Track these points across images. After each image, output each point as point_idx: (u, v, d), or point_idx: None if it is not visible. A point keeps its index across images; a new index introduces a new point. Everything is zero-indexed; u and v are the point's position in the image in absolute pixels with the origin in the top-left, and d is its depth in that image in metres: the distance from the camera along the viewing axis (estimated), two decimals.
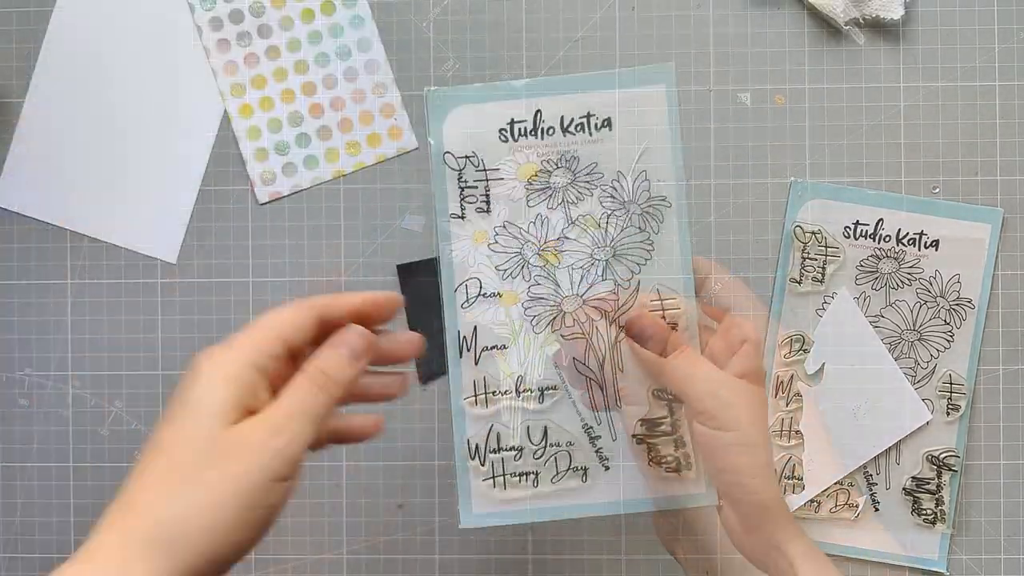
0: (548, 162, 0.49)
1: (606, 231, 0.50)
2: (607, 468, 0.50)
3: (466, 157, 0.49)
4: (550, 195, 0.50)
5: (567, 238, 0.50)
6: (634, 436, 0.50)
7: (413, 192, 0.64)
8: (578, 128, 0.49)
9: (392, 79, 0.64)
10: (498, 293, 0.50)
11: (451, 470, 0.64)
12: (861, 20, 0.62)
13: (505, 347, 0.50)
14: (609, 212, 0.50)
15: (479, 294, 0.50)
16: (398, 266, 0.64)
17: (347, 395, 0.42)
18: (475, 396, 0.50)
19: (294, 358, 0.42)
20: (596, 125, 0.49)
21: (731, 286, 0.49)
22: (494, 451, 0.50)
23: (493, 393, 0.50)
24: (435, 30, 0.64)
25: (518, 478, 0.50)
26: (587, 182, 0.50)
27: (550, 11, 0.64)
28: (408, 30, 0.64)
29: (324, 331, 0.42)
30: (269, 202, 0.64)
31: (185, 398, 0.38)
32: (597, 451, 0.50)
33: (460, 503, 0.50)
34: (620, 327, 0.50)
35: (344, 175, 0.64)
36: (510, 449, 0.50)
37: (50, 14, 0.65)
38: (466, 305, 0.50)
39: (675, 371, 0.47)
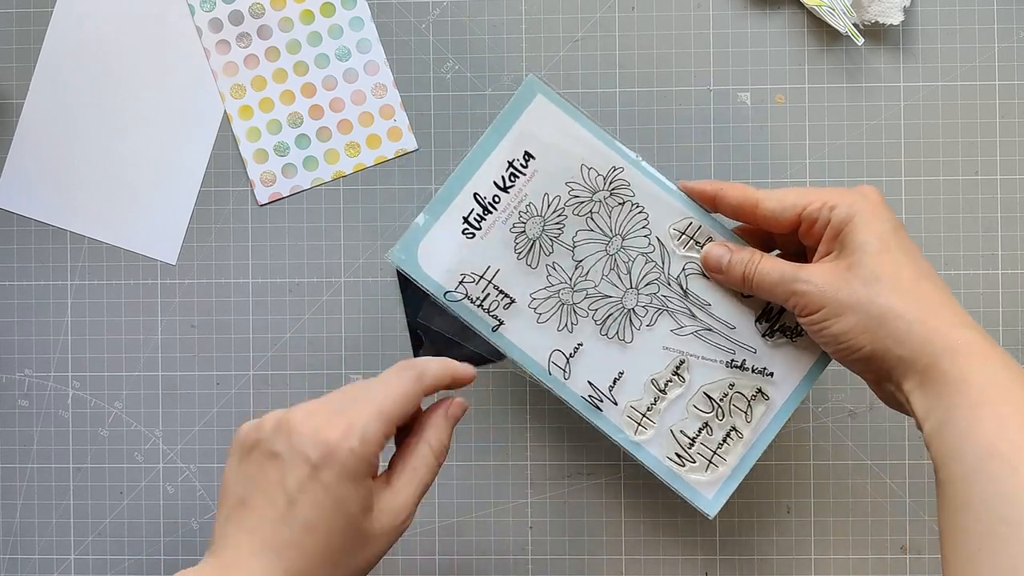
0: (515, 226, 0.52)
1: (600, 228, 0.52)
2: (771, 374, 0.53)
3: (460, 283, 0.52)
4: (539, 247, 0.52)
5: (581, 262, 0.53)
6: (764, 336, 0.53)
7: (413, 193, 0.64)
8: (512, 178, 0.52)
9: (392, 80, 0.64)
10: (578, 345, 0.53)
11: (452, 471, 0.64)
12: (861, 25, 0.62)
13: (622, 373, 0.53)
14: (589, 214, 0.53)
15: (567, 359, 0.53)
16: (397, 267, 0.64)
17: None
18: (638, 425, 0.53)
19: None
20: (521, 164, 0.52)
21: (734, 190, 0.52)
22: (689, 445, 0.53)
23: (648, 410, 0.53)
24: (435, 31, 0.64)
25: (725, 445, 0.53)
26: (555, 211, 0.53)
27: (550, 11, 0.64)
28: (408, 31, 0.64)
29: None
30: (269, 203, 0.64)
31: (326, 491, 0.43)
32: (753, 370, 0.53)
33: (696, 503, 0.53)
34: (675, 279, 0.52)
35: (344, 176, 0.64)
36: (699, 432, 0.53)
37: (50, 14, 0.65)
38: (568, 376, 0.53)
39: (759, 287, 0.50)
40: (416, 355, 0.63)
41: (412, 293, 0.64)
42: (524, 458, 0.64)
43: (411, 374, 0.47)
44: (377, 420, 0.44)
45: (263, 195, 0.64)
